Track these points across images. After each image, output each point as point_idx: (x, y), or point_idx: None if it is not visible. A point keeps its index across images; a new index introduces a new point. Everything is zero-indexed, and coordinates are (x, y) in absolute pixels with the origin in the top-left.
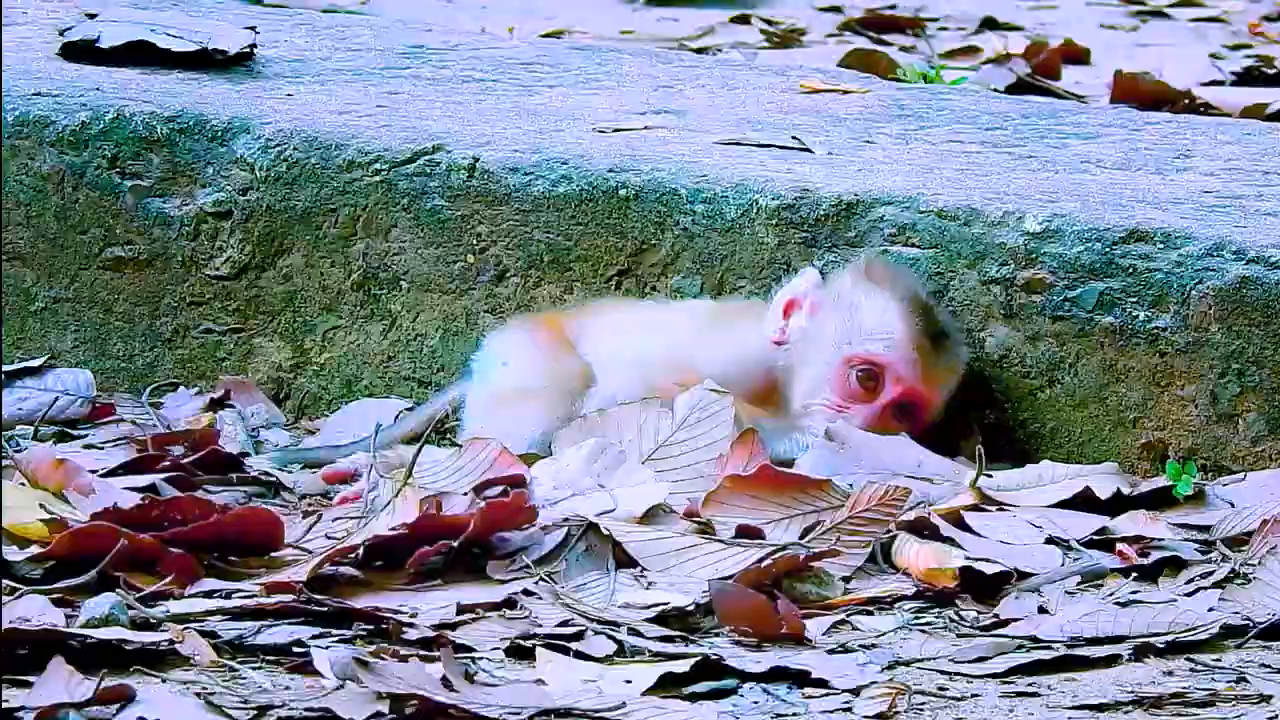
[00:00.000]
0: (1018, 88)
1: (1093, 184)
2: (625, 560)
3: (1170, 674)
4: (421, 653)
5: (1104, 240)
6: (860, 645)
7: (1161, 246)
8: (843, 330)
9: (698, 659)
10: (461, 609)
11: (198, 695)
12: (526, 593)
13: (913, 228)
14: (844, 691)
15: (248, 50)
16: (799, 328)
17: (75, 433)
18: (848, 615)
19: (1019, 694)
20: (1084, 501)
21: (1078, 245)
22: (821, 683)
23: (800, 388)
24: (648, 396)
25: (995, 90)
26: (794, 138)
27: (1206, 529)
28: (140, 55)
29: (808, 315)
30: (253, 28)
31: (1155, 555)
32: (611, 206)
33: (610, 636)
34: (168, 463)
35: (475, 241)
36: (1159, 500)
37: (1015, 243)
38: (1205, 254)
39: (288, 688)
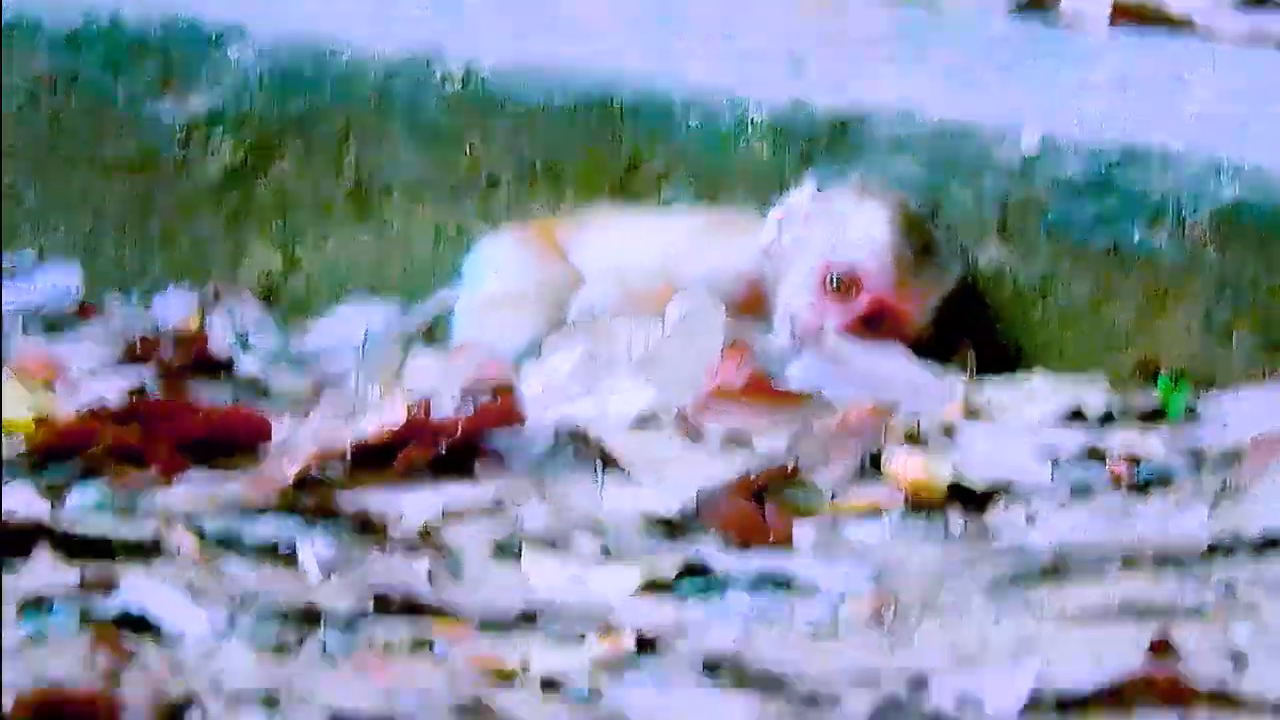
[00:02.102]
0: (1016, 9)
1: (1091, 104)
2: (613, 465)
3: (1159, 585)
4: (407, 550)
5: (1100, 159)
6: (847, 552)
7: (1158, 167)
8: (826, 236)
9: (684, 562)
10: (448, 509)
11: (183, 586)
12: (513, 495)
13: (908, 142)
14: (830, 596)
15: None
16: (791, 236)
17: (64, 330)
18: (835, 523)
19: (1006, 602)
20: (1075, 416)
21: (1074, 163)
22: (808, 588)
23: (782, 293)
24: (632, 303)
25: (995, 12)
26: (791, 51)
27: (1198, 445)
28: None
29: (799, 224)
30: None
31: (1146, 470)
32: (606, 118)
33: (596, 538)
34: (156, 362)
35: (468, 150)
36: (1150, 416)
37: (1012, 160)
38: (1202, 175)
39: (273, 581)
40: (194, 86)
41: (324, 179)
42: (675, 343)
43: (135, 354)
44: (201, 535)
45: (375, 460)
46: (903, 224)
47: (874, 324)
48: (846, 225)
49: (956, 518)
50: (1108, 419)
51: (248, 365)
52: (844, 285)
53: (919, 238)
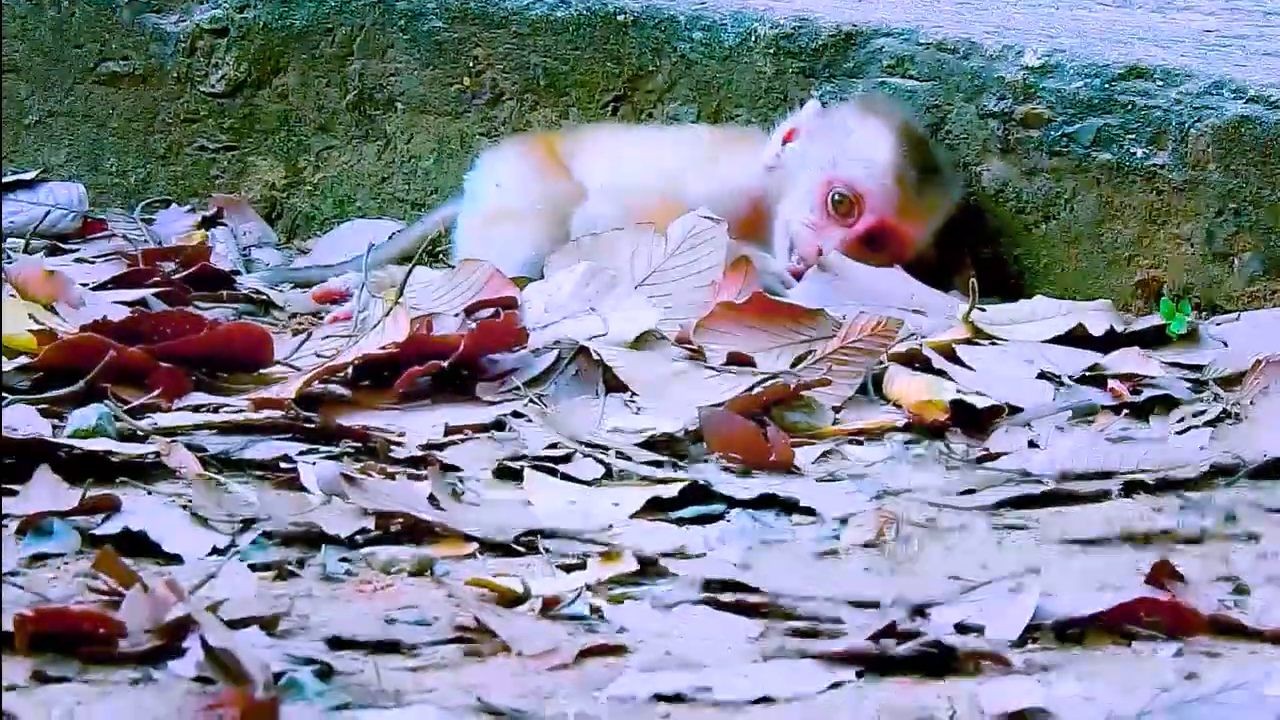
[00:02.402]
0: None
1: (1093, 20)
2: (615, 385)
3: (1160, 511)
4: (409, 471)
5: (1103, 76)
6: (849, 475)
7: (1160, 84)
8: (830, 154)
9: (686, 484)
10: (450, 429)
11: (183, 507)
12: (515, 415)
13: (911, 60)
14: (832, 519)
15: None
16: (793, 153)
17: (66, 246)
18: (837, 445)
19: (1007, 526)
20: (1077, 337)
21: (1076, 80)
22: (809, 511)
23: (783, 209)
24: (634, 220)
25: None
26: None
27: (1199, 368)
28: None
29: (803, 142)
30: None
31: (1147, 393)
32: (609, 31)
33: (598, 460)
34: (158, 278)
35: (471, 64)
36: (1152, 338)
37: (1014, 77)
38: (1204, 92)
39: (274, 503)
40: None
41: (327, 92)
42: (678, 261)
43: (138, 271)
44: (202, 455)
45: (377, 378)
46: (905, 144)
47: (875, 244)
48: (849, 144)
49: (959, 440)
50: (1110, 340)
51: (250, 282)
52: (845, 205)
53: (921, 158)
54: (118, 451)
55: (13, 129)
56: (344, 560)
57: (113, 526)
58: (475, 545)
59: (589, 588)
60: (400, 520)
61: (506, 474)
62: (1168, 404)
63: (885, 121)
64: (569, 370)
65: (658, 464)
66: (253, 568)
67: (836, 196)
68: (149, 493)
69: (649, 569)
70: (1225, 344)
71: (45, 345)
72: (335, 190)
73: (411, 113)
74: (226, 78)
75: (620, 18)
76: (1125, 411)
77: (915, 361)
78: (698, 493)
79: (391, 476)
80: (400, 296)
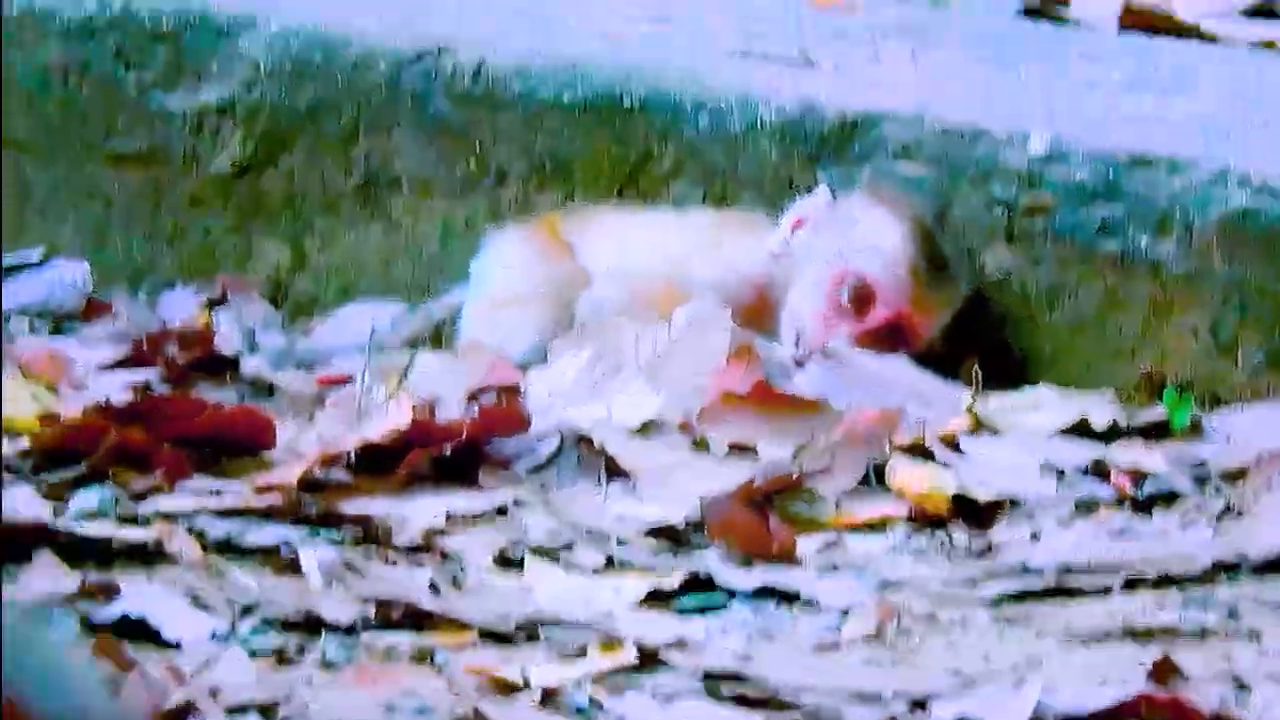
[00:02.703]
0: (1026, 13)
1: (1099, 108)
2: (617, 472)
3: (1162, 606)
4: (410, 557)
5: (1109, 164)
6: (850, 566)
7: (1166, 172)
8: (840, 245)
9: (687, 573)
10: (451, 516)
11: (184, 593)
12: (517, 501)
13: (917, 145)
14: (833, 611)
15: None
16: (801, 242)
17: (70, 326)
18: (839, 535)
19: (1009, 620)
20: (1080, 429)
21: (1082, 168)
22: (810, 601)
23: (792, 300)
24: (639, 305)
25: (1004, 13)
26: (801, 51)
27: (1203, 461)
28: None
29: (812, 232)
30: None
31: (1150, 486)
32: (615, 116)
33: (600, 548)
34: (162, 361)
35: (477, 146)
36: (1156, 430)
37: (1020, 164)
38: (1210, 181)
39: (274, 588)
40: (204, 78)
41: (333, 173)
42: (681, 348)
43: (141, 353)
44: (204, 540)
45: (379, 464)
46: (918, 237)
47: (884, 339)
48: (859, 235)
49: (961, 532)
50: (1113, 433)
51: (253, 365)
52: (857, 298)
53: (933, 252)
54: (119, 535)
55: (18, 207)
56: (344, 647)
57: (112, 611)
58: (476, 633)
59: (589, 678)
60: (401, 607)
61: (508, 561)
62: (1171, 498)
63: (896, 212)
64: (571, 457)
65: (659, 553)
66: (252, 653)
67: (848, 290)
68: (149, 577)
69: (649, 659)
70: (1229, 438)
71: (47, 426)
72: (340, 272)
73: (417, 195)
74: (233, 158)
75: (627, 102)
76: (1128, 505)
77: (918, 451)
78: (699, 582)
79: (392, 563)
80: (403, 381)
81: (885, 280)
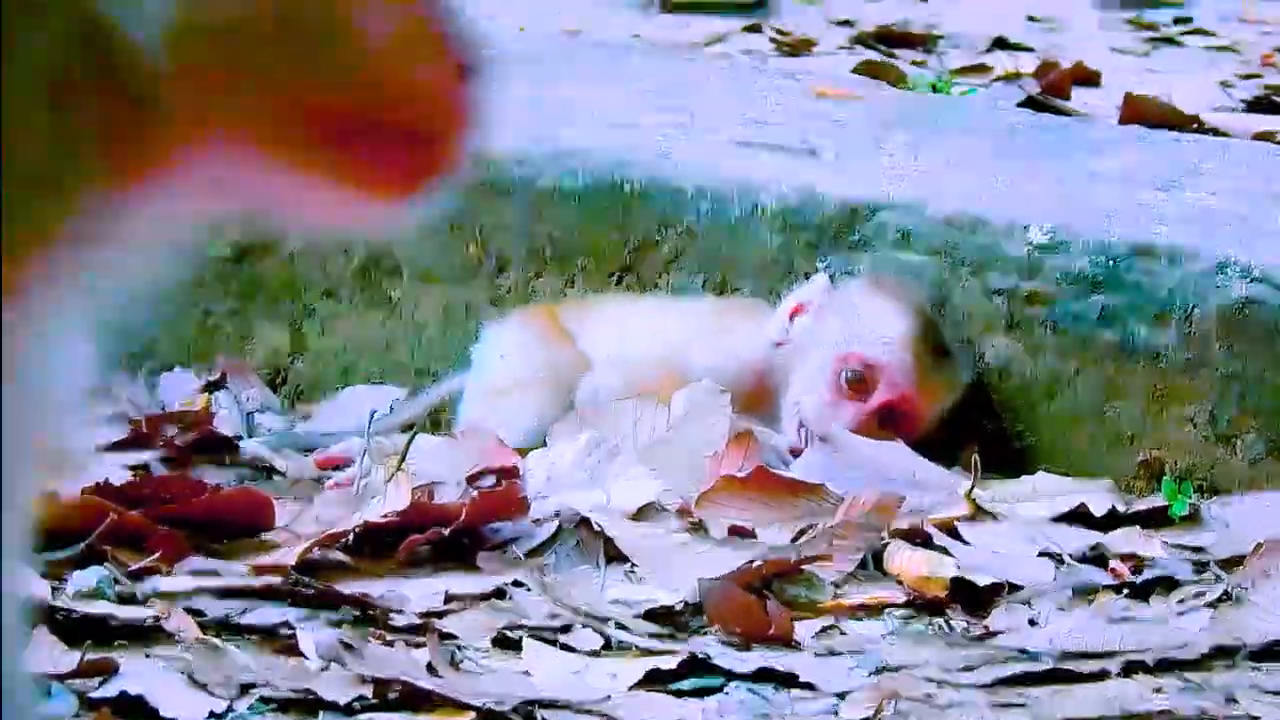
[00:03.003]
0: (1027, 105)
1: (1099, 198)
2: (616, 555)
3: (1159, 691)
4: (408, 638)
5: (1108, 254)
6: (848, 650)
7: (1166, 263)
8: (841, 331)
9: (685, 656)
10: (449, 597)
11: (182, 671)
12: (515, 584)
13: (917, 234)
14: (830, 695)
15: None
16: (802, 329)
17: None
18: (837, 619)
19: (1006, 705)
20: (1079, 516)
21: (1082, 258)
22: (808, 685)
23: (793, 386)
24: (638, 390)
25: (1005, 105)
26: (802, 140)
27: (1201, 549)
28: None
29: (812, 318)
30: None
31: (1148, 573)
32: (616, 202)
33: (598, 630)
34: (161, 442)
35: (478, 232)
36: (1154, 518)
37: (1019, 253)
38: (1209, 272)
39: (271, 668)
40: None
41: (333, 258)
42: (680, 433)
43: (140, 434)
44: (202, 620)
45: (378, 545)
46: (919, 323)
47: (887, 421)
48: (861, 320)
49: (959, 617)
50: (1112, 520)
51: (253, 447)
52: (859, 381)
53: (934, 337)
54: (117, 615)
55: None
56: None
57: (111, 690)
58: (473, 714)
59: None
60: (398, 688)
61: (506, 643)
62: (1169, 584)
63: (897, 300)
64: (570, 540)
65: (657, 635)
66: None
67: (850, 374)
68: (147, 656)
69: None
70: (1227, 525)
71: (47, 507)
72: (340, 356)
73: (417, 280)
74: (233, 242)
75: (627, 189)
76: (1126, 591)
77: (916, 537)
78: (697, 665)
79: (390, 644)
80: (402, 464)
81: (886, 365)
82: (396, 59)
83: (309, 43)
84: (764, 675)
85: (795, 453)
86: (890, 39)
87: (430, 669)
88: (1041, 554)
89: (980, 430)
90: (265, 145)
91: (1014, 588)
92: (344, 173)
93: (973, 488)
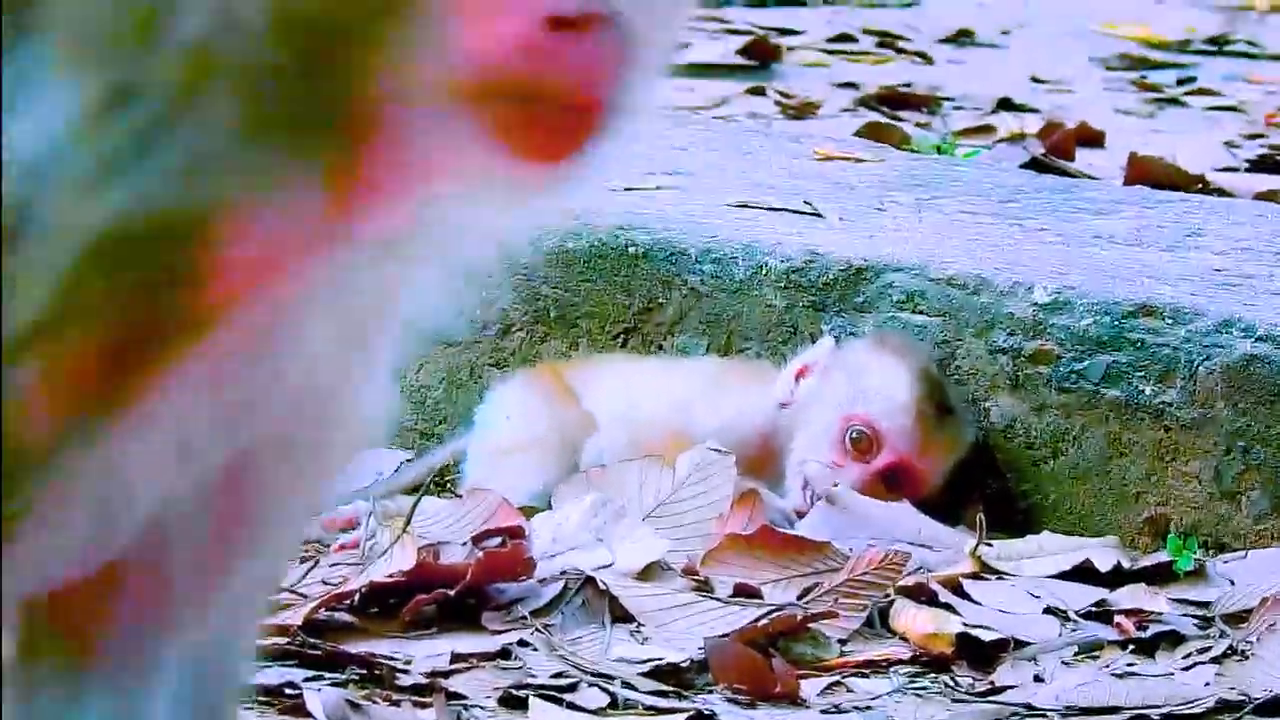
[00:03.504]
0: (1031, 166)
1: (1103, 258)
2: (622, 615)
3: None
4: (414, 699)
5: (1113, 314)
6: (855, 707)
7: (1170, 322)
8: (846, 392)
9: (691, 714)
10: (455, 657)
11: None
12: (521, 643)
13: (921, 295)
14: None
15: None
16: (807, 391)
17: None
18: (843, 677)
19: None
20: (1084, 573)
21: (1086, 318)
22: None
23: (798, 447)
24: (643, 451)
25: (1010, 165)
26: (806, 202)
27: (1206, 605)
28: None
29: (818, 379)
30: None
31: (1153, 629)
32: (620, 264)
33: (604, 689)
34: None
35: (482, 294)
36: (1159, 575)
37: (1024, 313)
38: (1213, 330)
39: None
40: None
41: None
42: (686, 493)
43: None
44: None
45: (384, 606)
46: (923, 383)
47: (892, 482)
48: (865, 381)
49: (964, 673)
50: (1117, 576)
51: None
52: (864, 442)
53: (939, 397)
54: None
55: None
56: None
57: None
58: None
59: None
60: None
61: (512, 702)
62: (1174, 640)
63: (901, 360)
64: (576, 600)
65: (663, 694)
66: None
67: (855, 434)
68: None
69: None
70: (1232, 582)
71: None
72: None
73: (421, 342)
74: None
75: (631, 250)
76: (1131, 647)
77: (922, 595)
78: None
79: (397, 704)
80: (408, 525)
81: (891, 425)
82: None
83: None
84: None
85: (800, 514)
86: (894, 101)
87: None
88: (1047, 610)
89: (985, 489)
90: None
91: (1020, 644)
92: (502, 138)
93: (978, 545)
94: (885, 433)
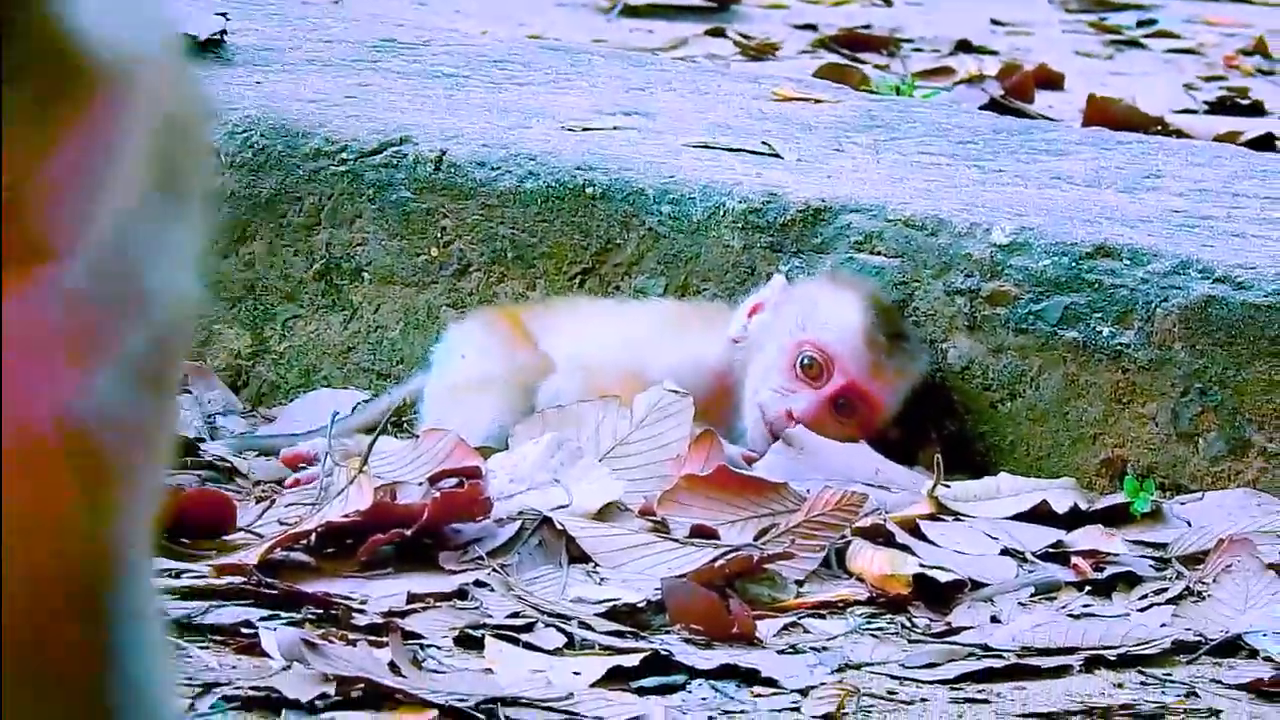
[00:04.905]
0: (990, 107)
1: (1062, 199)
2: (578, 555)
3: (1120, 686)
4: (370, 638)
5: (1070, 255)
6: (811, 647)
7: (1128, 263)
8: (798, 319)
9: (647, 654)
10: (412, 597)
11: None
12: (478, 584)
13: (879, 236)
14: (793, 691)
15: (218, 37)
16: (760, 325)
17: None
18: (799, 618)
19: (968, 700)
20: (1041, 515)
21: (1044, 259)
22: (770, 682)
23: (751, 379)
24: (599, 393)
25: (968, 107)
26: (764, 143)
27: (1162, 546)
28: None
29: (770, 314)
30: (224, 14)
31: (1110, 570)
32: (577, 204)
33: (560, 629)
34: None
35: (439, 235)
36: (1116, 516)
37: (981, 254)
38: (1171, 272)
39: (234, 667)
40: None
41: (294, 261)
42: (643, 434)
43: None
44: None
45: (341, 546)
46: (874, 310)
47: (844, 408)
48: (817, 310)
49: (921, 614)
50: (1074, 517)
51: (214, 449)
52: (815, 367)
53: (890, 323)
54: None
55: None
56: None
57: None
58: (435, 712)
59: None
60: (361, 686)
61: (468, 642)
62: (1130, 581)
63: (853, 290)
64: (532, 540)
65: (619, 634)
66: None
67: (806, 359)
68: None
69: None
70: (1189, 523)
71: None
72: (301, 359)
73: (378, 283)
74: None
75: (589, 190)
76: (1088, 588)
77: (879, 536)
78: (659, 663)
79: (353, 643)
80: (364, 465)
81: (841, 349)
82: None
83: None
84: (726, 673)
85: (757, 451)
86: (854, 43)
87: (393, 668)
88: (1004, 551)
89: (942, 430)
90: None
91: (976, 585)
92: None
93: (935, 486)
94: (836, 357)
